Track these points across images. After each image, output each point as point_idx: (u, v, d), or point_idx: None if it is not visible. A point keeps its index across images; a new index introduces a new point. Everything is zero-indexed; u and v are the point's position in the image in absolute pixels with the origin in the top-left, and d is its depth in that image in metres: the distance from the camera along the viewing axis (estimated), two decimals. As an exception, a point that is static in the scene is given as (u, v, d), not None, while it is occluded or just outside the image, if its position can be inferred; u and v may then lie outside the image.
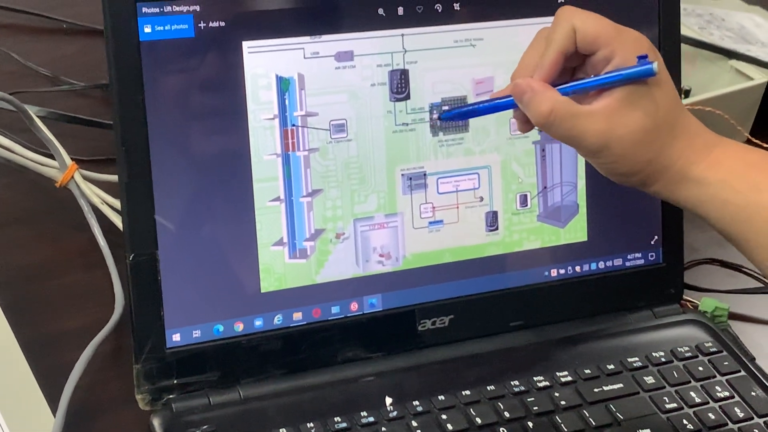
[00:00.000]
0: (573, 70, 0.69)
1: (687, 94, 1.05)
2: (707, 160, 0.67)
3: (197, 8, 0.69)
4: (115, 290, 0.80)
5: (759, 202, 0.65)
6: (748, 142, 1.03)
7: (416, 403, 0.72)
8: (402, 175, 0.75)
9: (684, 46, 1.09)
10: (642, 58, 0.65)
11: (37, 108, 0.95)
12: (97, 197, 0.86)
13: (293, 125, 0.72)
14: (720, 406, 0.74)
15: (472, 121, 0.76)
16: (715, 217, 0.67)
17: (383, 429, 0.70)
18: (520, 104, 0.67)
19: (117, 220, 0.85)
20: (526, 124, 0.68)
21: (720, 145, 0.67)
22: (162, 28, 0.68)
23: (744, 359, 0.78)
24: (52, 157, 0.87)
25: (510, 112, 0.77)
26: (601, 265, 0.81)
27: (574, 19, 0.66)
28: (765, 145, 1.01)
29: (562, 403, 0.73)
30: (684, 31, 1.13)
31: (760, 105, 1.07)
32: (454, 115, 0.73)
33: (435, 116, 0.75)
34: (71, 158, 0.87)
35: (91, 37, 1.14)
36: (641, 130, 0.65)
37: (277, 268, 0.73)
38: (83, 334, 0.76)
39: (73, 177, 0.86)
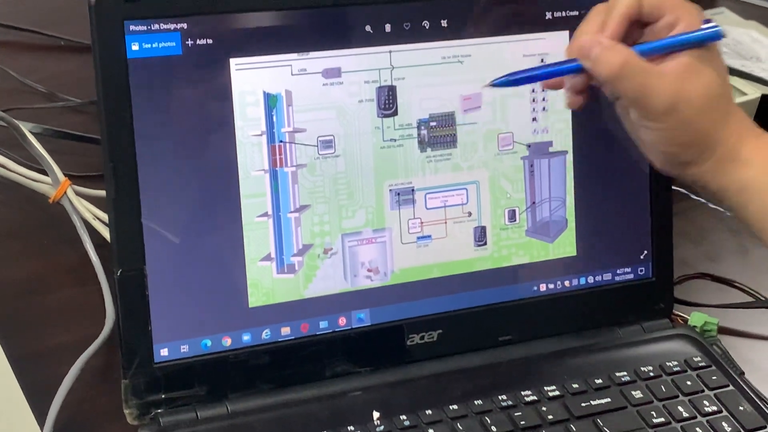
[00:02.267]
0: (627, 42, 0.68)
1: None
2: (753, 142, 0.68)
3: (185, 26, 0.69)
4: (106, 305, 0.80)
5: None
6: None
7: (404, 417, 0.72)
8: (390, 190, 0.76)
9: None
10: (707, 21, 0.67)
11: (31, 124, 0.96)
12: (89, 212, 0.87)
13: (281, 141, 0.73)
14: (708, 421, 0.74)
15: (460, 136, 0.77)
16: (757, 204, 0.67)
17: (370, 443, 0.70)
18: (586, 61, 0.67)
19: (109, 236, 0.85)
20: (578, 95, 0.68)
21: (765, 134, 0.69)
22: (150, 45, 0.69)
23: (733, 374, 0.78)
24: (45, 173, 0.88)
25: (497, 128, 0.78)
26: (590, 279, 0.81)
27: None
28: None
29: (550, 417, 0.73)
30: (677, 46, 1.13)
31: (753, 120, 1.07)
32: (506, 82, 0.71)
33: (487, 83, 0.71)
34: (64, 174, 0.88)
35: (88, 54, 1.13)
36: (707, 95, 0.66)
37: (265, 283, 0.73)
38: (73, 349, 0.76)
39: (65, 193, 0.86)
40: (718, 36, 0.67)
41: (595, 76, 0.67)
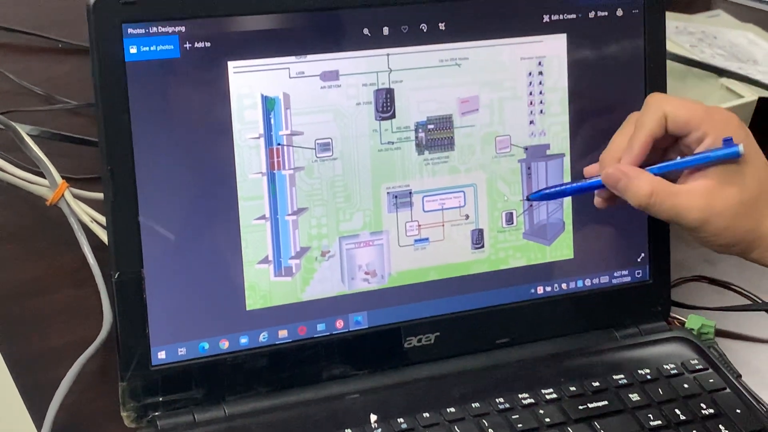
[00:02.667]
0: (665, 149, 0.73)
1: (677, 111, 1.05)
2: None
3: (183, 29, 0.69)
4: (103, 308, 0.80)
5: None
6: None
7: (401, 420, 0.72)
8: (387, 193, 0.76)
9: (675, 64, 1.10)
10: (727, 140, 0.69)
11: (28, 127, 0.96)
12: (86, 215, 0.87)
13: (279, 144, 0.73)
14: (705, 424, 0.74)
15: (457, 139, 0.77)
16: None
17: (367, 446, 0.70)
18: (615, 190, 0.71)
19: (106, 238, 0.85)
20: (608, 201, 0.73)
21: None
22: (148, 48, 0.69)
23: (730, 376, 0.78)
24: (42, 175, 0.88)
25: (494, 130, 0.78)
26: (588, 282, 0.81)
27: (666, 106, 0.71)
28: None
29: (547, 420, 0.73)
30: (675, 49, 1.14)
31: (750, 123, 1.07)
32: (542, 196, 0.77)
33: (524, 198, 0.78)
34: (62, 176, 0.88)
35: (85, 57, 1.13)
36: (738, 203, 0.69)
37: (262, 286, 0.73)
38: (71, 351, 0.76)
39: (63, 195, 0.86)
40: (736, 155, 0.69)
41: (628, 201, 0.71)
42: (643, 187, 0.70)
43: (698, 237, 0.71)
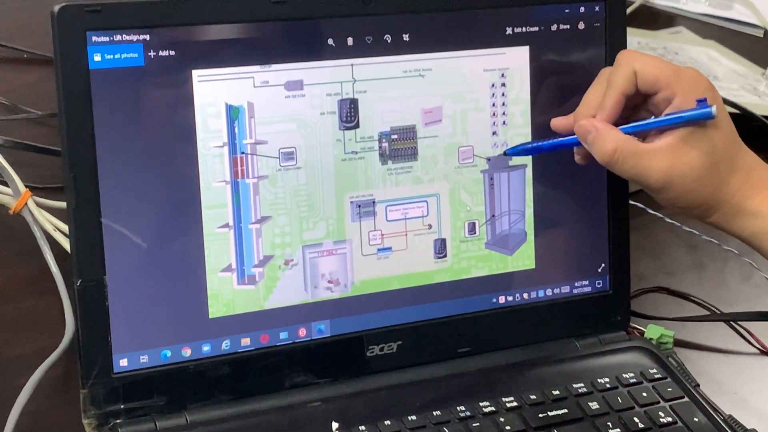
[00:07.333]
0: (635, 106, 0.72)
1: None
2: (763, 194, 0.71)
3: (147, 37, 0.70)
4: (66, 316, 0.80)
5: None
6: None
7: (362, 428, 0.72)
8: (351, 202, 0.76)
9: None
10: (701, 101, 0.69)
11: (-8, 136, 0.96)
12: (49, 224, 0.87)
13: (242, 153, 0.73)
14: (663, 432, 0.75)
15: (420, 149, 0.78)
16: None
17: (329, 454, 0.71)
18: (584, 144, 0.71)
19: (69, 247, 0.85)
20: (585, 158, 0.74)
21: None
22: (112, 56, 0.69)
23: (688, 385, 0.79)
24: (5, 184, 0.87)
25: (457, 141, 0.79)
26: (549, 292, 0.82)
27: (635, 63, 0.71)
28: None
29: (507, 428, 0.74)
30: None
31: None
32: (519, 151, 0.78)
33: (502, 152, 0.78)
34: (25, 185, 0.87)
35: (50, 67, 1.13)
36: (701, 167, 0.69)
37: (225, 294, 0.73)
38: (33, 359, 0.76)
39: (26, 204, 0.86)
40: (708, 116, 0.69)
41: (594, 156, 0.72)
42: (608, 143, 0.70)
43: (660, 198, 0.72)
